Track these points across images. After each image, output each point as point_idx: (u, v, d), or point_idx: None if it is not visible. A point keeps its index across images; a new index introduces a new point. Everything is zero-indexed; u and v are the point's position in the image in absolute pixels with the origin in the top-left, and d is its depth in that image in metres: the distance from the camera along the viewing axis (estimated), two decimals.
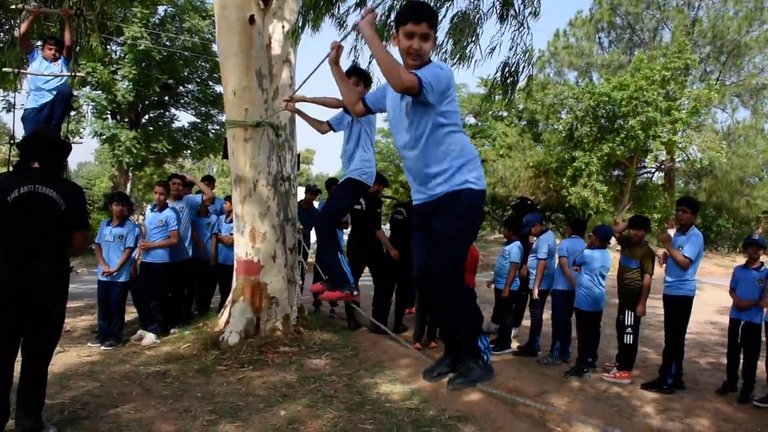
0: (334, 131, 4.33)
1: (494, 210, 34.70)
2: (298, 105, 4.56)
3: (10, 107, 20.76)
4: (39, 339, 3.71)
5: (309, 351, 6.21)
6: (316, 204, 10.09)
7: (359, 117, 3.59)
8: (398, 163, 34.59)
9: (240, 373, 5.46)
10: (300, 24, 6.49)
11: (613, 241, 7.63)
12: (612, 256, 7.25)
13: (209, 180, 8.97)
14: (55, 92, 6.41)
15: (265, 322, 6.53)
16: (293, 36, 6.68)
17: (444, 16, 6.48)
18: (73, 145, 5.57)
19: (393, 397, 4.92)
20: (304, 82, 4.29)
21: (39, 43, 6.90)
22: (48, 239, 3.66)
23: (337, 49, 3.34)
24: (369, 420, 4.36)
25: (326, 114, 4.37)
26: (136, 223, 7.25)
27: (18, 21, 7.67)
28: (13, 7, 7.04)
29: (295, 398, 4.77)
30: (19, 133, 6.77)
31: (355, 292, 4.16)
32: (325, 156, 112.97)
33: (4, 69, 7.19)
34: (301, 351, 6.17)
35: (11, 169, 3.82)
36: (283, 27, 6.96)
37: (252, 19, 6.46)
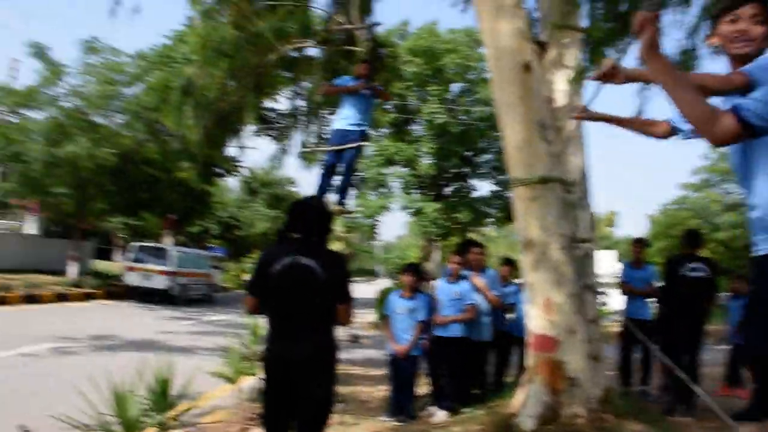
0: (678, 137, 2.76)
1: None
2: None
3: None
4: (306, 415, 3.50)
5: None
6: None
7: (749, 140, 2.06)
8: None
9: None
10: (585, 64, 5.81)
11: None
12: None
13: (478, 245, 7.51)
14: (355, 131, 6.81)
15: (564, 406, 5.67)
16: (577, 78, 6.00)
17: None
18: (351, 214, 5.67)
19: None
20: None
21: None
22: (309, 311, 3.48)
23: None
24: None
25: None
26: (428, 293, 7.06)
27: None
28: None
29: None
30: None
31: None
32: (630, 218, 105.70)
33: (303, 149, 8.10)
34: None
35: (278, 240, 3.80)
36: (564, 73, 6.35)
37: (527, 67, 5.97)
